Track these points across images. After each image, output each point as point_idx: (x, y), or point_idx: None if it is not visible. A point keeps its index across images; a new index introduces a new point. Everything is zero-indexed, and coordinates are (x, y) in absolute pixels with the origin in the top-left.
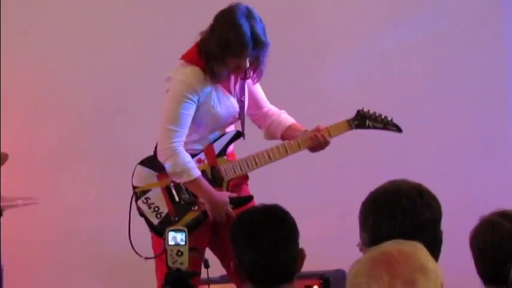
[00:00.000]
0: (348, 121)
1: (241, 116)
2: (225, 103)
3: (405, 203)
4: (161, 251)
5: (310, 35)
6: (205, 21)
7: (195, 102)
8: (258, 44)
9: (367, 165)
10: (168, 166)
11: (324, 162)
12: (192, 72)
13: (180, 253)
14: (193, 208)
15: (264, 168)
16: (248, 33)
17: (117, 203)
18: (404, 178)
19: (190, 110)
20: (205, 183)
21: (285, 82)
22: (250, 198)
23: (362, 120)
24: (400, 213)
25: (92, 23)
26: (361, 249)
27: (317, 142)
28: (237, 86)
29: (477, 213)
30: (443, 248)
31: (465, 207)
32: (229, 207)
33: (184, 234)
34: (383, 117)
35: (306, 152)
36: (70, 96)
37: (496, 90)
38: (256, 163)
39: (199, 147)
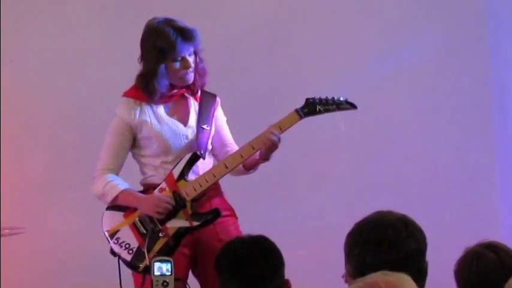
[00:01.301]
0: (297, 110)
1: (199, 142)
2: (170, 127)
3: (390, 234)
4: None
5: (296, 66)
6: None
7: (124, 130)
8: (186, 34)
9: (354, 196)
10: (94, 190)
11: (311, 193)
12: (123, 105)
13: (165, 283)
14: (160, 235)
15: (253, 199)
16: (172, 31)
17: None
18: (390, 210)
19: (120, 142)
20: (133, 193)
21: (270, 112)
22: (216, 211)
23: (312, 106)
24: (386, 244)
25: (76, 51)
26: (346, 281)
27: (268, 139)
28: (197, 116)
29: (462, 244)
30: (428, 278)
31: (450, 238)
32: (161, 198)
33: (170, 264)
34: (335, 99)
35: (294, 183)
36: (57, 124)
37: (482, 120)
38: (214, 176)
39: (160, 178)
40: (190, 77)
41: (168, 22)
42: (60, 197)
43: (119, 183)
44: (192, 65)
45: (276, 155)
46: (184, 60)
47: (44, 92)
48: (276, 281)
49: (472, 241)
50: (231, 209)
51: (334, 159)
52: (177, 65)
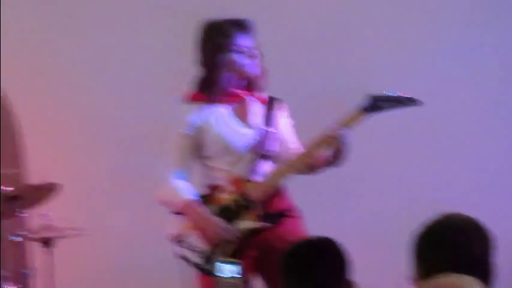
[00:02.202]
0: (361, 108)
1: (264, 144)
2: (233, 128)
3: (459, 236)
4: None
5: (362, 64)
6: None
7: (190, 132)
8: (244, 25)
9: (420, 198)
10: (158, 197)
11: (377, 194)
12: (187, 107)
13: (234, 285)
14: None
15: (318, 200)
16: (228, 24)
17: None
18: (457, 212)
19: (187, 143)
20: (197, 207)
21: (335, 111)
22: (284, 212)
23: (375, 103)
24: (454, 247)
25: (141, 50)
26: (412, 283)
27: (334, 138)
28: (262, 118)
29: None
30: (496, 281)
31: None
32: (227, 228)
33: (238, 266)
34: (399, 95)
35: (360, 184)
36: (119, 127)
37: None
38: (282, 176)
39: (224, 180)
40: (255, 68)
41: (223, 19)
42: (124, 198)
43: (186, 191)
44: (257, 56)
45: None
46: (245, 50)
47: (110, 94)
48: (341, 283)
49: None
50: (297, 210)
51: (400, 161)
52: (238, 56)
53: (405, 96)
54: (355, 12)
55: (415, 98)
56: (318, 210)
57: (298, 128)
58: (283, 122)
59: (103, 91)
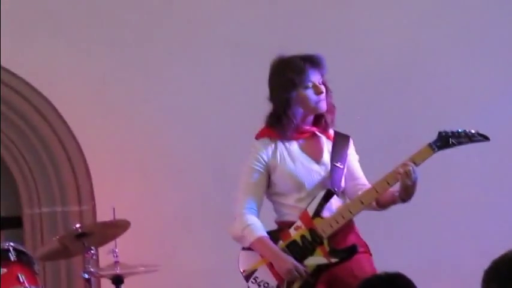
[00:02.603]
0: (430, 145)
1: (333, 179)
2: (304, 164)
3: None
4: None
5: (428, 101)
6: None
7: (260, 168)
8: (315, 60)
9: (488, 233)
10: (232, 232)
11: (444, 229)
12: (258, 143)
13: None
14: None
15: (386, 235)
16: (299, 59)
17: (238, 271)
18: None
19: (257, 179)
20: (269, 243)
21: (404, 149)
22: (353, 248)
23: (444, 139)
24: None
25: (211, 87)
26: None
27: (404, 173)
28: (331, 154)
29: None
30: None
31: None
32: (297, 266)
33: None
34: (467, 131)
35: (426, 219)
36: (188, 160)
37: None
38: (350, 212)
39: (294, 216)
40: (323, 104)
41: (294, 55)
42: (194, 234)
43: (258, 228)
44: (324, 91)
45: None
46: (315, 86)
47: (180, 130)
48: None
49: None
50: (366, 246)
51: (468, 195)
52: (309, 91)
53: (473, 131)
54: (421, 49)
55: (483, 133)
56: (385, 247)
57: (367, 166)
58: (351, 158)
59: (173, 127)
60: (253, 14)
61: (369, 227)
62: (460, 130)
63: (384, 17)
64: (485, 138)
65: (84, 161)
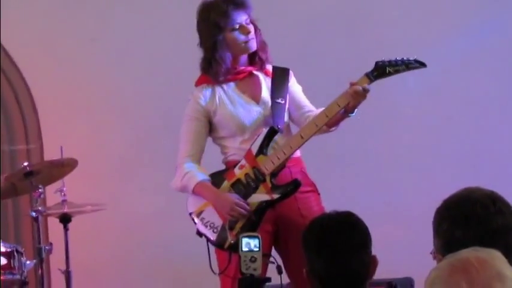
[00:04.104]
0: (367, 74)
1: (275, 117)
2: (243, 105)
3: (478, 209)
4: (227, 265)
5: (374, 42)
6: None
7: (200, 115)
8: (237, 1)
9: (440, 174)
10: (173, 184)
11: (396, 170)
12: (196, 91)
13: (253, 259)
14: None
15: (335, 178)
16: (222, 2)
17: (184, 211)
18: (478, 186)
19: (196, 127)
20: (209, 186)
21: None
22: (295, 182)
23: (381, 69)
24: (474, 220)
25: (160, 30)
26: (434, 257)
27: (354, 93)
28: (271, 91)
29: None
30: None
31: None
32: (237, 203)
33: (258, 240)
34: (405, 59)
35: (376, 162)
36: (137, 102)
37: None
38: (291, 147)
39: (240, 156)
40: (252, 44)
41: None
42: (142, 176)
43: (197, 174)
44: (252, 31)
45: (351, 130)
46: (242, 27)
47: (126, 71)
48: (363, 257)
49: None
50: (313, 185)
51: (417, 138)
52: (236, 33)
53: (411, 58)
54: None
55: (420, 60)
56: (334, 186)
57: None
58: (294, 89)
59: (121, 67)
60: None
61: (320, 166)
62: (397, 58)
63: None
64: (422, 64)
65: (32, 99)
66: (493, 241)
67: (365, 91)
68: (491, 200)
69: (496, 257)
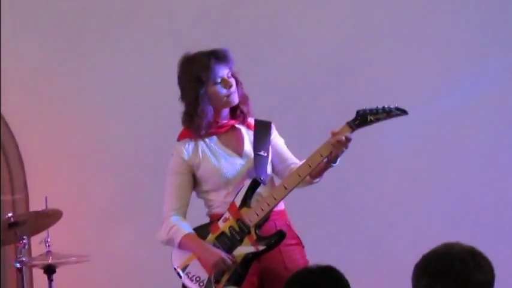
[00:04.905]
0: (348, 123)
1: (258, 169)
2: (227, 159)
3: (457, 265)
4: None
5: (362, 94)
6: None
7: (183, 170)
8: (220, 55)
9: (420, 227)
10: (160, 236)
11: (376, 222)
12: (179, 145)
13: None
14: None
15: (314, 230)
16: (203, 55)
17: (168, 261)
18: (457, 241)
19: (180, 181)
20: (195, 239)
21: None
22: (280, 233)
23: (362, 117)
24: (453, 276)
25: (146, 84)
26: None
27: (336, 143)
28: (253, 144)
29: None
30: None
31: None
32: (224, 258)
33: None
34: (386, 107)
35: (356, 211)
36: (122, 153)
37: None
38: (274, 198)
39: (224, 209)
40: (234, 97)
41: (198, 51)
42: (126, 225)
43: (183, 227)
44: (233, 84)
45: (335, 184)
46: (224, 80)
47: (109, 121)
48: None
49: None
50: (298, 238)
51: (400, 190)
52: (218, 87)
53: (392, 106)
54: (357, 46)
55: (402, 107)
56: (317, 239)
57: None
58: (277, 142)
59: (107, 118)
60: (187, 3)
61: (304, 221)
62: (378, 106)
63: (321, 10)
64: (403, 112)
65: (17, 150)
66: None
67: (347, 140)
68: (470, 255)
69: None
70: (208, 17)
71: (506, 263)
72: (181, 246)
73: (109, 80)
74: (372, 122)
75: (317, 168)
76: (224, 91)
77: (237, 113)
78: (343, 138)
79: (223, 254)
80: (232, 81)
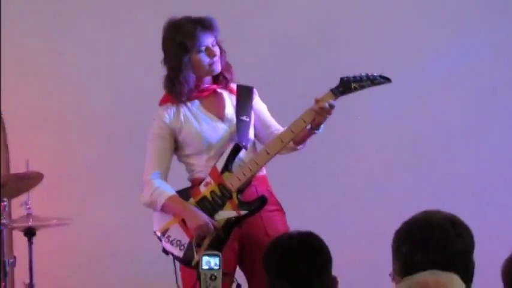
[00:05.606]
0: (332, 90)
1: (240, 134)
2: (208, 123)
3: (438, 233)
4: (195, 282)
5: (346, 63)
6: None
7: (165, 134)
8: (205, 23)
9: (402, 195)
10: (142, 199)
11: (358, 191)
12: (161, 110)
13: (213, 277)
14: None
15: (300, 196)
16: (190, 22)
17: (149, 225)
18: (438, 209)
19: (162, 144)
20: (180, 200)
21: None
22: (262, 198)
23: (346, 84)
24: (433, 243)
25: (126, 48)
26: (393, 279)
27: (319, 109)
28: (235, 108)
29: (510, 245)
30: (475, 279)
31: (497, 240)
32: (209, 223)
33: (218, 258)
34: (370, 75)
35: (339, 182)
36: (104, 117)
37: None
38: (256, 163)
39: (205, 174)
40: (217, 66)
41: (185, 17)
42: (108, 190)
43: (166, 190)
44: (217, 53)
45: (324, 153)
46: (208, 49)
47: (93, 87)
48: (324, 278)
49: None
50: (279, 204)
51: (383, 159)
52: (202, 55)
53: (376, 74)
54: (341, 14)
55: (386, 75)
56: (300, 205)
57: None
58: (259, 108)
59: (88, 81)
60: None
61: (284, 185)
62: (362, 74)
63: None
64: (387, 79)
65: None
66: (452, 265)
67: (331, 107)
68: (451, 223)
69: (454, 280)
70: None
71: (485, 232)
72: (164, 208)
73: (89, 45)
74: (355, 89)
75: (300, 135)
76: (207, 60)
77: (220, 78)
78: (327, 105)
79: (208, 219)
80: (216, 49)
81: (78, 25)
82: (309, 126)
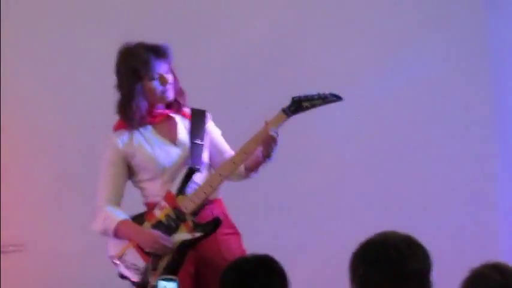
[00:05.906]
0: (284, 110)
1: (194, 157)
2: (162, 148)
3: (393, 254)
4: None
5: (298, 82)
6: None
7: (117, 160)
8: (160, 51)
9: (358, 216)
10: (95, 227)
11: (314, 212)
12: (114, 136)
13: None
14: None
15: (255, 218)
16: (144, 49)
17: (105, 251)
18: (394, 230)
19: (115, 171)
20: (130, 223)
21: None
22: (216, 220)
23: (298, 103)
24: (388, 264)
25: (83, 67)
26: None
27: (261, 137)
28: (189, 132)
29: (468, 265)
30: None
31: (455, 259)
32: (161, 236)
33: (175, 283)
34: (321, 93)
35: (297, 202)
36: (60, 140)
37: (483, 136)
38: (210, 186)
39: (160, 198)
40: (170, 93)
41: (139, 43)
42: (63, 215)
43: (118, 215)
44: (170, 81)
45: (278, 172)
46: (161, 77)
47: (48, 108)
48: None
49: (477, 262)
50: (234, 227)
51: (338, 178)
52: (155, 83)
53: (327, 93)
54: (291, 30)
55: (336, 93)
56: (254, 228)
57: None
58: (213, 133)
59: (43, 101)
60: None
61: (239, 208)
62: (313, 93)
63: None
64: (338, 98)
65: None
66: (408, 285)
67: (273, 138)
68: (406, 244)
69: None
70: (141, 3)
71: (445, 252)
72: (117, 233)
73: (45, 58)
74: (307, 108)
75: (253, 163)
76: (160, 87)
77: (173, 104)
78: (275, 133)
79: (160, 233)
80: (170, 77)
81: (34, 41)
82: (261, 155)
